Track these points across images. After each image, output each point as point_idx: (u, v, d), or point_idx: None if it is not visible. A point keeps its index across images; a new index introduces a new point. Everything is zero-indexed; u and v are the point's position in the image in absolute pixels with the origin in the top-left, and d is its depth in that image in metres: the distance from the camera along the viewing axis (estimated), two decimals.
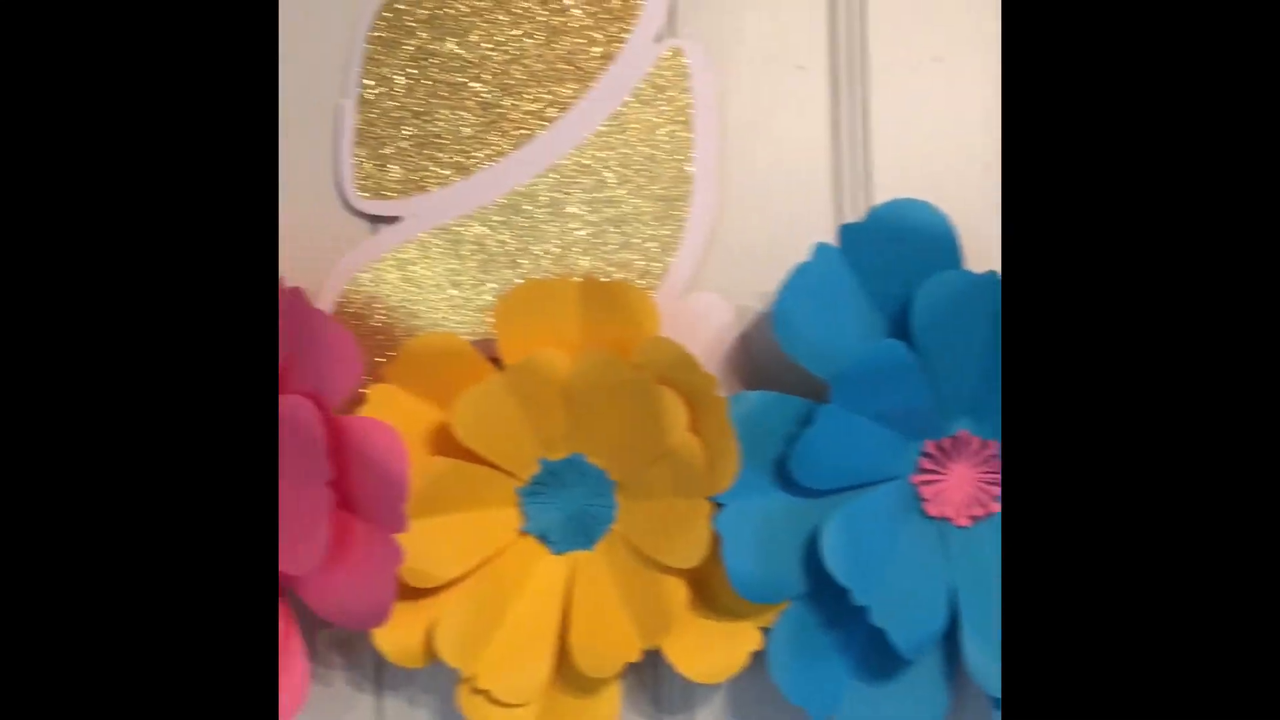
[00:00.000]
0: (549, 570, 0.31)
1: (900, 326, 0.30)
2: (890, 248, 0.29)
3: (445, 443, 0.30)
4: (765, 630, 0.30)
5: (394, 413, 0.29)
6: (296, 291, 0.27)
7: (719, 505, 0.29)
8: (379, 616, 0.28)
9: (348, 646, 0.32)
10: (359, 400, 0.30)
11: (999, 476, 0.31)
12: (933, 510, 0.31)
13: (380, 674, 0.32)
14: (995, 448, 0.31)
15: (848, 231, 0.29)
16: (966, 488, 0.31)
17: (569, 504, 0.31)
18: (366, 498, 0.28)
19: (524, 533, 0.31)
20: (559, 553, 0.31)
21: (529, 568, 0.31)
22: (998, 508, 0.31)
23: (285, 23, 0.32)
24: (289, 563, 0.28)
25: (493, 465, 0.30)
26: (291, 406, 0.28)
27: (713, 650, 0.30)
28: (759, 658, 0.30)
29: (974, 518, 0.31)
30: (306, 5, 0.32)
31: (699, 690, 0.32)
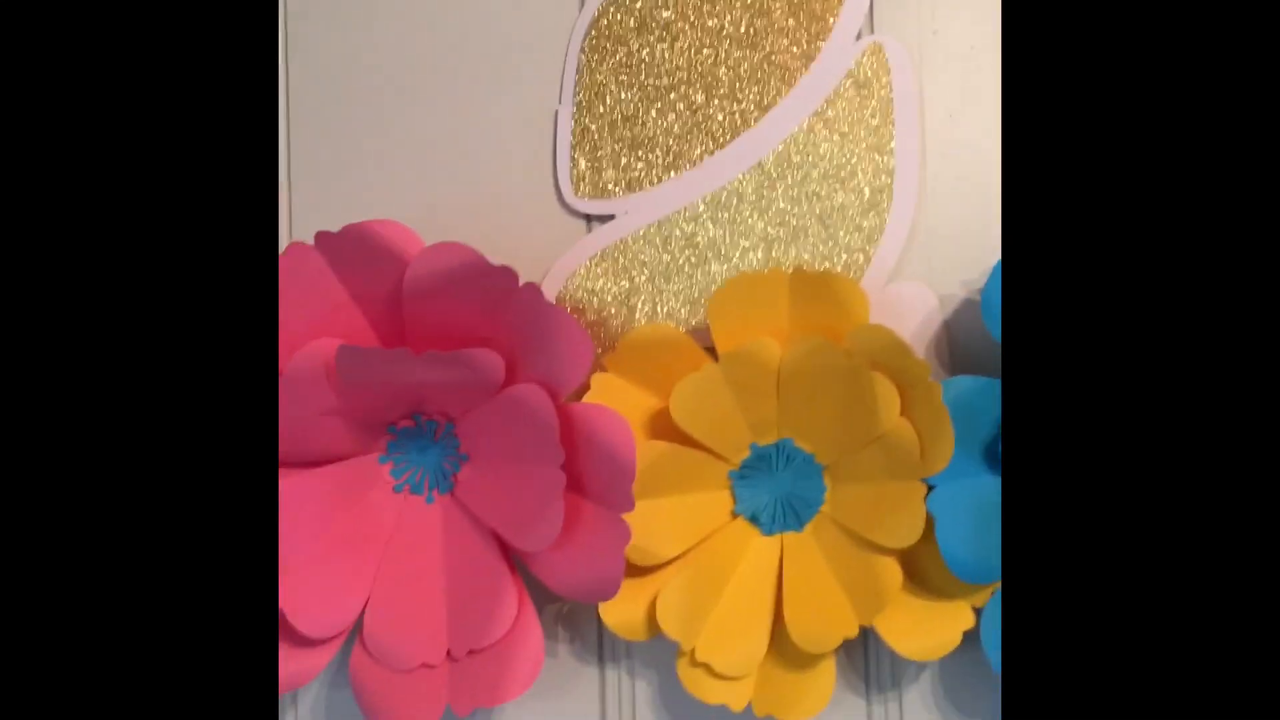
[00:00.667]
0: (761, 550, 0.32)
1: None
2: None
3: (661, 428, 0.31)
4: (977, 610, 0.31)
5: (615, 400, 0.31)
6: (532, 286, 0.29)
7: (931, 487, 0.30)
8: (609, 590, 0.29)
9: (571, 621, 0.34)
10: (584, 389, 0.31)
11: None
12: None
13: (603, 648, 0.34)
14: None
15: None
16: None
17: (777, 487, 0.32)
18: (595, 480, 0.30)
19: (736, 515, 0.32)
20: (769, 534, 0.32)
21: (742, 548, 0.32)
22: None
23: (504, 35, 0.34)
24: (524, 541, 0.30)
25: (707, 449, 0.31)
26: (525, 394, 0.29)
27: (926, 628, 0.31)
28: (971, 636, 0.30)
29: None
30: (524, 19, 0.34)
31: (909, 667, 0.33)
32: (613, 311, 0.33)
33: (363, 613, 0.31)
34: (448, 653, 0.31)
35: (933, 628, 0.31)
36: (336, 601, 0.31)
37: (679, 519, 0.31)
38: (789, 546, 0.32)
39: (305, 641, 0.30)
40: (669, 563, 0.31)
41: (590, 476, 0.30)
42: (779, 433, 0.32)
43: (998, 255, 0.30)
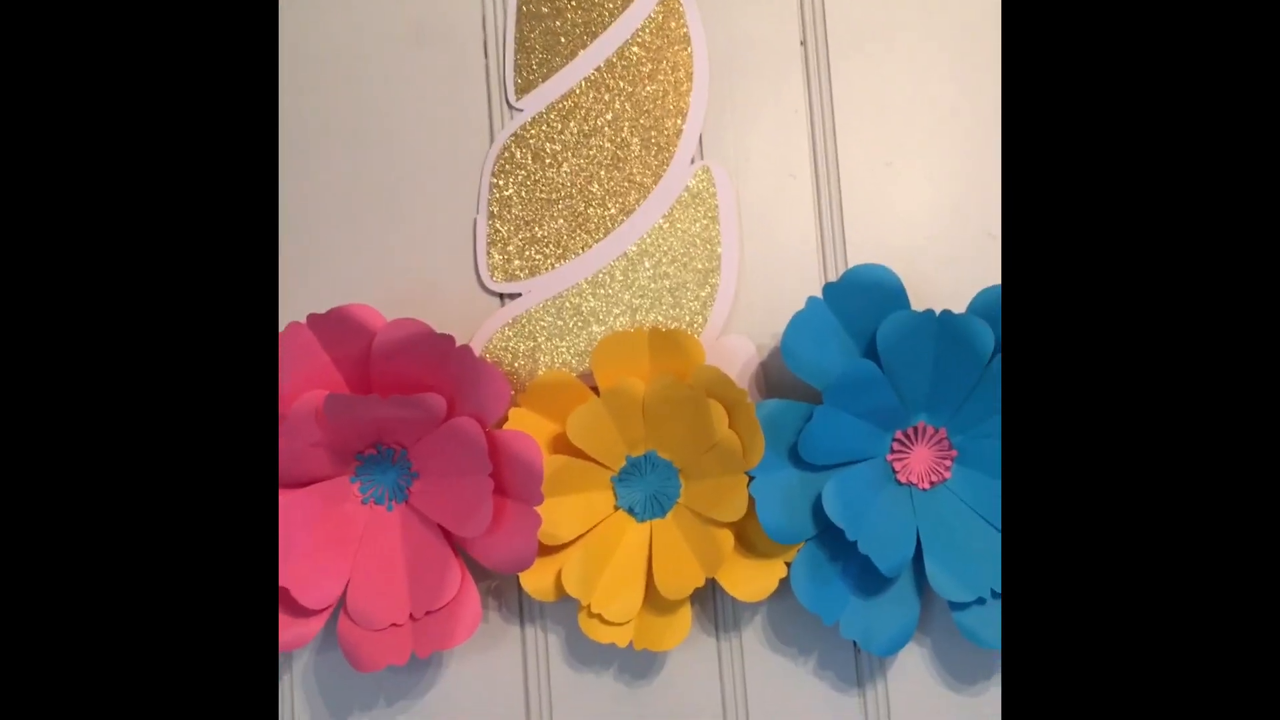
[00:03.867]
0: (636, 532, 0.43)
1: (870, 351, 0.42)
2: (860, 297, 0.41)
3: (561, 445, 0.43)
4: (789, 564, 0.42)
5: (526, 426, 0.42)
6: (465, 347, 0.40)
7: (752, 478, 0.42)
8: (525, 563, 0.40)
9: (499, 594, 0.45)
10: (503, 420, 0.43)
11: (949, 454, 0.43)
12: (902, 478, 0.43)
13: (523, 609, 0.45)
14: (945, 433, 0.43)
15: (829, 289, 0.42)
16: (926, 463, 0.43)
17: (647, 487, 0.43)
18: (514, 484, 0.41)
19: (617, 508, 0.44)
20: (641, 520, 0.43)
21: (622, 531, 0.43)
22: (949, 475, 0.43)
23: (433, 164, 0.46)
24: (465, 530, 0.41)
25: (594, 460, 0.43)
26: (463, 424, 0.40)
27: (753, 579, 0.42)
28: (785, 583, 0.42)
29: (932, 483, 0.43)
30: (448, 152, 0.46)
31: (745, 608, 0.45)
32: (522, 363, 0.45)
33: (344, 591, 0.42)
34: (410, 615, 0.41)
35: (757, 578, 0.42)
36: (325, 582, 0.41)
37: (575, 512, 0.43)
38: (656, 528, 0.43)
39: (304, 612, 0.41)
40: (569, 543, 0.43)
41: (510, 482, 0.41)
42: (646, 446, 0.43)
43: (793, 311, 0.42)
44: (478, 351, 0.45)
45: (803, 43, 0.46)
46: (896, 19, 0.46)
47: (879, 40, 0.46)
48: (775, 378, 0.45)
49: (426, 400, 0.40)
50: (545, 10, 0.46)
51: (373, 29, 0.46)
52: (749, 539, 0.43)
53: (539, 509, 0.40)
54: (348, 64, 0.46)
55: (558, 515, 0.42)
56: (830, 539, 0.42)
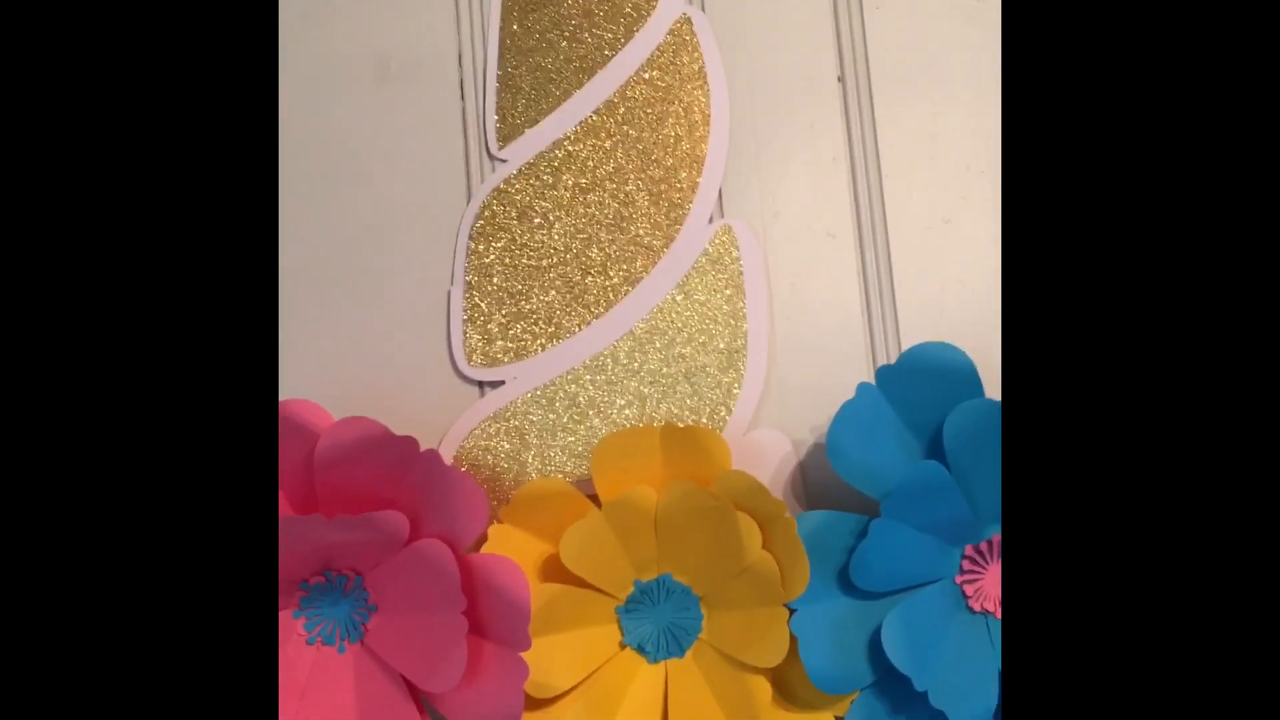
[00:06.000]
0: (648, 677, 0.35)
1: (935, 449, 0.34)
2: (921, 383, 0.34)
3: (553, 571, 0.35)
4: (840, 719, 0.34)
5: (510, 549, 0.34)
6: (431, 452, 0.32)
7: (793, 611, 0.34)
8: None
9: None
10: (481, 540, 0.35)
11: None
12: (976, 605, 0.35)
13: None
14: None
15: (884, 372, 0.35)
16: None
17: (660, 618, 0.35)
18: (494, 622, 0.33)
19: (624, 646, 0.36)
20: (654, 661, 0.35)
21: (631, 676, 0.35)
22: None
23: (399, 226, 0.38)
24: (431, 682, 0.33)
25: (595, 588, 0.35)
26: (429, 549, 0.33)
27: None
28: None
29: None
30: (417, 212, 0.38)
31: None
32: (506, 467, 0.37)
33: None
34: None
35: None
36: None
37: (573, 653, 0.35)
38: (673, 671, 0.35)
39: None
40: (566, 694, 0.35)
41: (490, 620, 0.33)
42: (659, 569, 0.35)
43: (840, 402, 0.35)
44: (450, 454, 0.37)
45: (840, 79, 0.39)
46: (948, 49, 0.39)
47: (930, 73, 0.39)
48: (817, 482, 0.37)
49: (382, 520, 0.32)
50: (533, 43, 0.39)
51: (331, 64, 0.39)
52: (789, 687, 0.35)
53: (527, 654, 0.32)
54: (299, 104, 0.39)
55: (550, 659, 0.34)
56: (891, 685, 0.34)
